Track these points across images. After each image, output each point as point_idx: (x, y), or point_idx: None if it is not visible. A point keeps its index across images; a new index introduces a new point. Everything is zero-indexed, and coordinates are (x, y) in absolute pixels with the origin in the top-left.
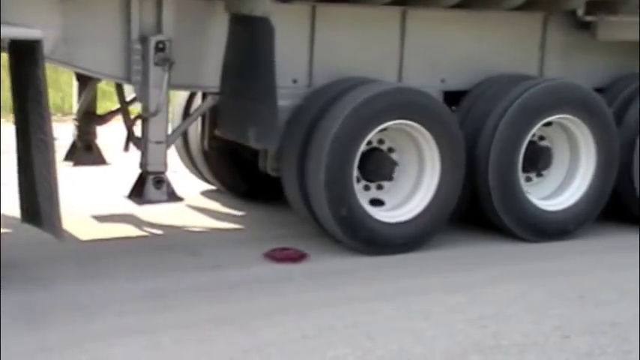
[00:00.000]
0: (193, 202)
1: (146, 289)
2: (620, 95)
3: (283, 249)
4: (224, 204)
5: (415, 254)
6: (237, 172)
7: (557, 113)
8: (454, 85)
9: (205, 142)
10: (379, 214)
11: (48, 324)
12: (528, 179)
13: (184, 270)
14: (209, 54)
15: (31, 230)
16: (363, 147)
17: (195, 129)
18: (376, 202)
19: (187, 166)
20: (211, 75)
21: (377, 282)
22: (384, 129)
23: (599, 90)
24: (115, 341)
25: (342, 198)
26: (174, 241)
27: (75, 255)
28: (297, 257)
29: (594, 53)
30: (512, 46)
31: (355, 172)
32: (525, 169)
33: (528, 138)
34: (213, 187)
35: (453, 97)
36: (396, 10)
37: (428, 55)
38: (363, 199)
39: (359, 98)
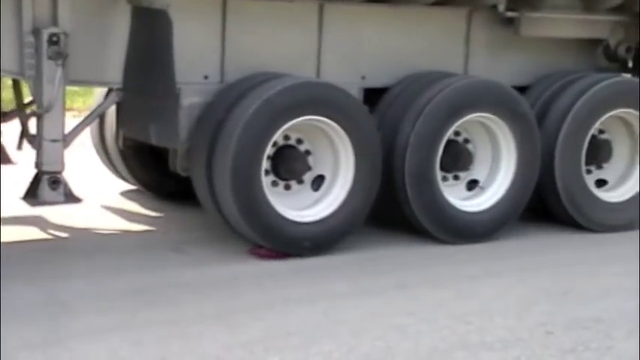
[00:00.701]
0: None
1: (129, 286)
2: (544, 93)
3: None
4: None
5: (399, 250)
6: (156, 171)
7: (476, 111)
8: (375, 82)
9: (120, 141)
10: (290, 213)
11: (30, 321)
12: (448, 179)
13: (168, 267)
14: (111, 48)
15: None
16: (272, 144)
17: (110, 127)
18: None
19: (107, 166)
20: (113, 70)
21: (362, 278)
22: (299, 125)
23: (524, 88)
24: (98, 338)
25: (250, 197)
26: (157, 238)
27: (55, 252)
28: (281, 254)
29: (520, 50)
30: (437, 42)
31: (263, 170)
32: (445, 169)
33: (446, 137)
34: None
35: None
36: (313, 4)
37: (347, 50)
38: (273, 198)
39: (265, 94)
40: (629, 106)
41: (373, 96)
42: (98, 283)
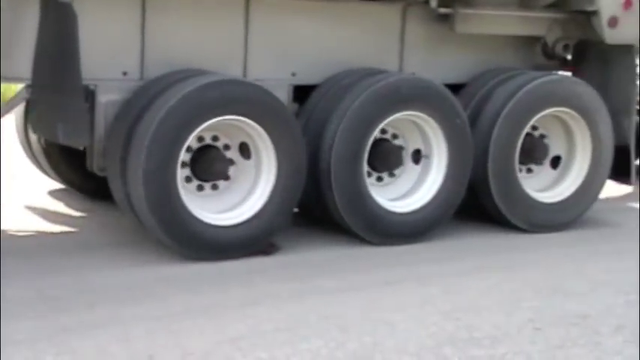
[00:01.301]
0: None
1: (117, 282)
2: (479, 91)
3: None
4: None
5: (387, 247)
6: (80, 169)
7: (405, 110)
8: (306, 79)
9: (42, 138)
10: (208, 216)
11: (17, 317)
12: (379, 179)
13: (156, 262)
14: (21, 42)
15: None
16: (188, 144)
17: None
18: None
19: (34, 165)
20: (23, 65)
21: (350, 274)
22: (219, 125)
23: (461, 85)
24: (85, 334)
25: (164, 199)
26: (143, 233)
27: (40, 248)
28: (269, 249)
29: (457, 47)
30: (371, 38)
31: (179, 171)
32: (375, 169)
33: (373, 136)
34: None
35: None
36: None
37: (276, 46)
38: (191, 199)
39: (180, 92)
40: (564, 105)
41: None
42: (86, 279)
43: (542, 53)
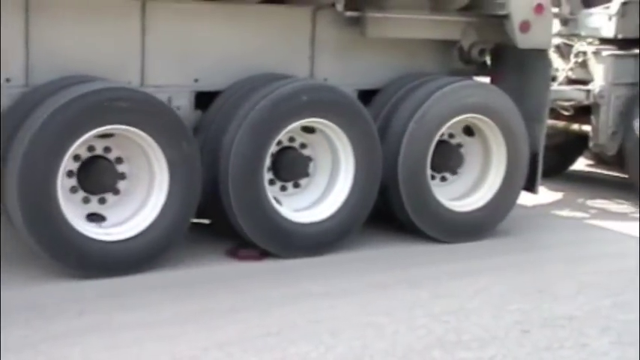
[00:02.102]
0: None
1: (105, 288)
2: (391, 98)
3: (245, 248)
4: None
5: (376, 250)
6: None
7: (307, 117)
8: (209, 85)
9: None
10: (95, 231)
11: (4, 325)
12: (283, 189)
13: (144, 269)
14: None
15: None
16: (76, 153)
17: None
18: (98, 218)
19: None
20: None
21: (339, 278)
22: (108, 134)
23: (374, 91)
24: (73, 341)
25: (42, 213)
26: None
27: (27, 256)
28: (259, 255)
29: (370, 51)
30: (280, 43)
31: (60, 183)
32: (281, 179)
33: (273, 144)
34: None
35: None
36: (134, 2)
37: (176, 51)
38: (75, 214)
39: (59, 102)
40: (477, 112)
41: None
42: (73, 286)
43: (458, 58)
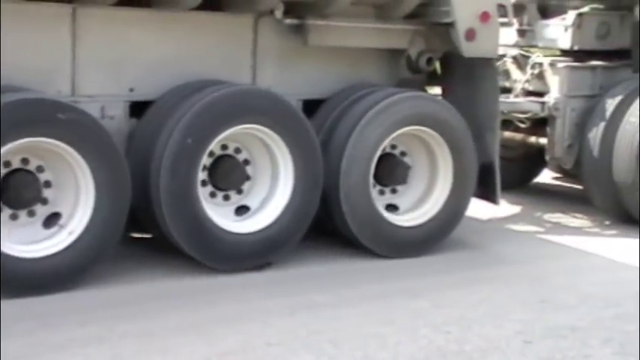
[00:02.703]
0: None
1: (108, 298)
2: (336, 108)
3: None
4: None
5: (376, 261)
6: None
7: (241, 123)
8: (145, 95)
9: None
10: (13, 247)
11: (7, 335)
12: (226, 198)
13: (146, 278)
14: None
15: None
16: None
17: None
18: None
19: None
20: None
21: (340, 288)
22: (28, 148)
23: (320, 101)
24: (76, 352)
25: None
26: (133, 250)
27: None
28: (261, 264)
29: (315, 60)
30: (220, 51)
31: None
32: (217, 187)
33: (207, 151)
34: None
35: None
36: (64, 8)
37: (111, 60)
38: None
39: None
40: (421, 124)
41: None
42: (76, 296)
43: (407, 67)
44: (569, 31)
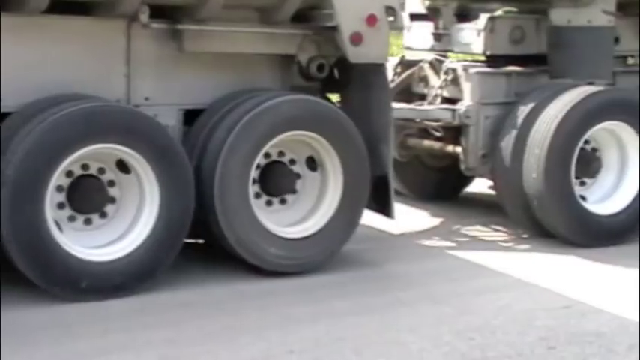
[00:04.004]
0: None
1: (130, 307)
2: (214, 117)
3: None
4: None
5: (399, 267)
6: None
7: (95, 143)
8: (5, 106)
9: None
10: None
11: (32, 343)
12: (88, 222)
13: (168, 287)
14: None
15: None
16: None
17: None
18: None
19: None
20: None
21: (362, 295)
22: None
23: (200, 110)
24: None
25: None
26: None
27: None
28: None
29: (197, 67)
30: (90, 59)
31: None
32: (77, 210)
33: (56, 176)
34: None
35: None
36: None
37: None
38: None
39: None
40: (306, 129)
41: None
42: (99, 304)
43: (299, 74)
44: (482, 35)
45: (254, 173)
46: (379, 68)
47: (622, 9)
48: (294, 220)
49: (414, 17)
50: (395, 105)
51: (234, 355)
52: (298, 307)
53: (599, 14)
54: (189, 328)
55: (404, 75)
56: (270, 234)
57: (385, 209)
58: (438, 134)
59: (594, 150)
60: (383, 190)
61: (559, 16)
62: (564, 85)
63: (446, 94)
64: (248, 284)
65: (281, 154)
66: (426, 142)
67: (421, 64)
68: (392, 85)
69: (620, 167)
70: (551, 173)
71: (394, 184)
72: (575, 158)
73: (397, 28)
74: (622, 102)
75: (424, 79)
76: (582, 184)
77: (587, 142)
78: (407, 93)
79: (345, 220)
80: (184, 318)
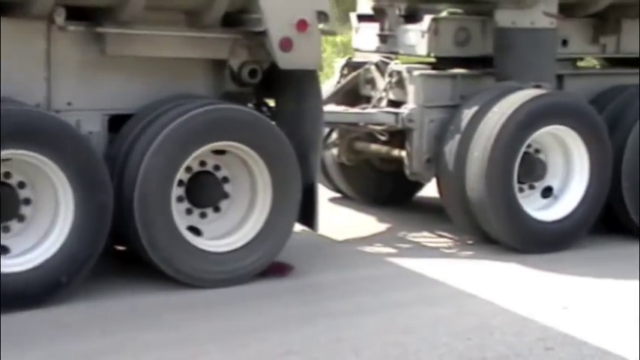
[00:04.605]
0: None
1: (128, 308)
2: (139, 124)
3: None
4: None
5: (396, 269)
6: None
7: (11, 148)
8: None
9: None
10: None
11: (30, 344)
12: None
13: (166, 288)
14: None
15: None
16: None
17: None
18: None
19: None
20: None
21: (360, 296)
22: None
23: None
24: None
25: None
26: None
27: None
28: (285, 270)
29: (121, 72)
30: (5, 62)
31: None
32: None
33: None
34: None
35: None
36: None
37: None
38: None
39: None
40: (232, 139)
41: None
42: (97, 306)
43: (231, 79)
44: (426, 37)
45: (177, 188)
46: (311, 74)
47: (569, 10)
48: (223, 232)
49: (362, 18)
50: (338, 109)
51: (232, 356)
52: (295, 309)
53: (543, 16)
54: (186, 329)
55: (348, 77)
56: (195, 248)
57: (309, 220)
58: (383, 138)
59: (538, 154)
60: (308, 199)
61: (504, 18)
62: (508, 87)
63: (392, 96)
64: (243, 286)
65: (203, 163)
66: (374, 146)
67: (367, 66)
68: (337, 87)
69: (565, 172)
70: (493, 178)
71: (345, 188)
72: (518, 163)
73: (329, 33)
74: (565, 106)
75: (371, 82)
76: (531, 187)
77: (530, 146)
78: (354, 96)
79: (275, 231)
80: (182, 319)
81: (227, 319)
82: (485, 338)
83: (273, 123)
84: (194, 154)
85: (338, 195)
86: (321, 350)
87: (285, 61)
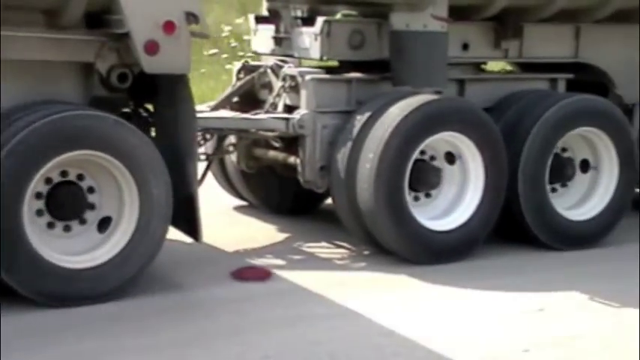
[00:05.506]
0: None
1: (104, 313)
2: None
3: (250, 268)
4: None
5: (373, 272)
6: None
7: None
8: None
9: None
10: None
11: (4, 351)
12: None
13: (143, 292)
14: None
15: None
16: None
17: None
18: None
19: None
20: None
21: (338, 299)
22: None
23: None
24: None
25: None
26: None
27: None
28: (264, 275)
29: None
30: None
31: None
32: None
33: None
34: None
35: None
36: None
37: None
38: None
39: None
40: (92, 148)
41: None
42: (74, 311)
43: (100, 84)
44: (319, 39)
45: (36, 201)
46: (181, 79)
47: (464, 13)
48: (79, 250)
49: (259, 20)
50: (229, 114)
51: (211, 359)
52: (274, 312)
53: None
54: (164, 333)
55: (242, 81)
56: (49, 263)
57: (191, 230)
58: (277, 145)
59: (433, 161)
60: (189, 210)
61: (399, 21)
62: (402, 92)
63: (288, 101)
64: (223, 289)
65: (65, 173)
66: (271, 153)
67: (261, 69)
68: (229, 92)
69: (461, 181)
70: (383, 186)
71: (248, 196)
72: (410, 170)
73: (201, 36)
74: (458, 111)
75: (267, 86)
76: (428, 195)
77: (425, 152)
78: (252, 100)
79: (143, 244)
80: (159, 323)
81: (207, 322)
82: None
83: (135, 128)
84: (46, 167)
85: (244, 203)
86: None
87: (152, 65)
